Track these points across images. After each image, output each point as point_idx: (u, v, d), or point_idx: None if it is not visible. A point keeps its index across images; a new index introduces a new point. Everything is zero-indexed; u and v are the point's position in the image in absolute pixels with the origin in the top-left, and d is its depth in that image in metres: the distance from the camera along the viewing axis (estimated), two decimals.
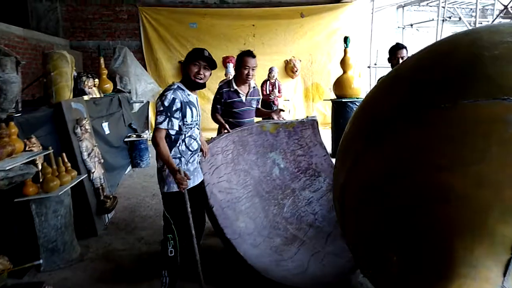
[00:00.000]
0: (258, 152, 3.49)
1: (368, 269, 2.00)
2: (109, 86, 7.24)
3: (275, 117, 3.62)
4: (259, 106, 3.87)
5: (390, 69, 4.26)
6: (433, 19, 11.86)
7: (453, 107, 1.58)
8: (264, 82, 8.98)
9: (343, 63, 7.23)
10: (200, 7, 10.40)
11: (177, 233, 2.63)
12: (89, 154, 4.18)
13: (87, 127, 4.25)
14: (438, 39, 10.07)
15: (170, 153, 2.57)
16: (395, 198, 1.67)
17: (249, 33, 10.71)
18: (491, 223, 1.44)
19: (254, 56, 3.48)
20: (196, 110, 2.71)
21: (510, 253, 1.40)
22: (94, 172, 4.20)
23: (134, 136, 7.01)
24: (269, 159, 3.51)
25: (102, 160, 4.53)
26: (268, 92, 8.87)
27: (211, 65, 2.62)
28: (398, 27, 12.34)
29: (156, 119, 2.55)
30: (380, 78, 4.06)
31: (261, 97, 3.87)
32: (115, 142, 6.13)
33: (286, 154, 3.56)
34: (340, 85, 7.20)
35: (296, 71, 10.86)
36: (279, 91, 9.00)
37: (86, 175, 4.03)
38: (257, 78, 10.91)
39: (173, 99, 2.52)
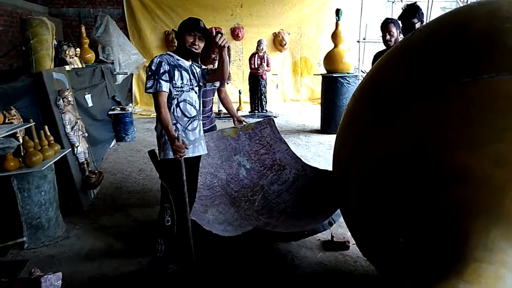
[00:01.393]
0: (222, 156, 3.63)
1: (371, 251, 1.94)
2: (91, 56, 6.93)
3: (236, 123, 3.67)
4: (224, 88, 3.75)
5: (381, 43, 4.06)
6: None
7: (472, 82, 1.48)
8: (253, 55, 8.77)
9: (335, 36, 7.06)
10: None
11: (174, 203, 2.60)
12: (72, 128, 3.99)
13: (69, 99, 4.04)
14: (428, 13, 9.93)
15: None
16: (406, 179, 1.59)
17: (237, 3, 10.36)
18: (508, 204, 1.38)
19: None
20: (189, 74, 2.64)
21: None
22: (78, 146, 4.02)
23: (119, 109, 6.80)
24: (234, 161, 3.65)
25: (86, 134, 4.34)
26: (256, 66, 8.69)
27: (206, 36, 2.61)
28: (388, 1, 12.11)
29: (145, 84, 2.55)
30: (377, 53, 3.93)
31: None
32: (99, 115, 5.91)
33: (250, 155, 3.71)
34: (331, 59, 7.05)
35: (285, 45, 10.63)
36: (267, 65, 8.82)
37: (70, 149, 3.85)
38: (245, 51, 10.78)
39: (160, 62, 2.53)
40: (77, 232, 3.48)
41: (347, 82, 6.84)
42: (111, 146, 6.41)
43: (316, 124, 7.85)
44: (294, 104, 10.78)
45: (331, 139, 6.76)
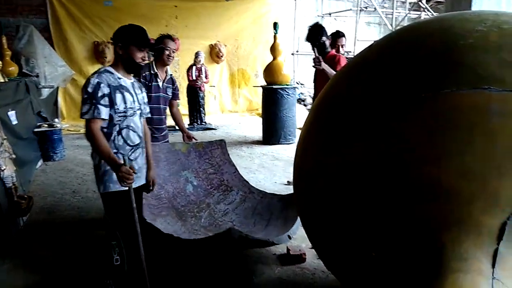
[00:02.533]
0: (171, 169, 3.62)
1: (338, 265, 1.93)
2: (13, 69, 6.38)
3: (186, 139, 3.66)
4: (177, 101, 3.70)
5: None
6: (350, 9, 12.38)
7: (433, 97, 1.53)
8: (190, 67, 8.63)
9: (273, 49, 7.18)
10: None
11: (121, 239, 2.34)
12: None
13: None
14: (355, 27, 10.51)
15: None
16: (374, 195, 1.59)
17: (172, 14, 10.17)
18: (476, 215, 1.42)
19: (174, 40, 3.49)
20: (133, 96, 2.41)
21: (496, 243, 1.40)
22: (4, 169, 3.59)
23: (46, 125, 6.26)
24: (182, 177, 3.67)
25: (13, 156, 3.91)
26: (194, 78, 8.55)
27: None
28: (318, 15, 12.67)
29: (81, 109, 2.25)
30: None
31: (177, 86, 3.68)
32: (24, 133, 5.39)
33: (198, 173, 3.75)
34: (270, 71, 7.15)
35: (222, 56, 10.63)
36: (206, 77, 8.73)
37: None
38: (182, 63, 10.58)
39: (98, 84, 2.23)
40: (8, 266, 3.09)
41: (287, 93, 6.98)
42: (37, 166, 5.87)
43: (257, 135, 7.87)
44: (233, 115, 10.77)
45: (274, 149, 6.81)
